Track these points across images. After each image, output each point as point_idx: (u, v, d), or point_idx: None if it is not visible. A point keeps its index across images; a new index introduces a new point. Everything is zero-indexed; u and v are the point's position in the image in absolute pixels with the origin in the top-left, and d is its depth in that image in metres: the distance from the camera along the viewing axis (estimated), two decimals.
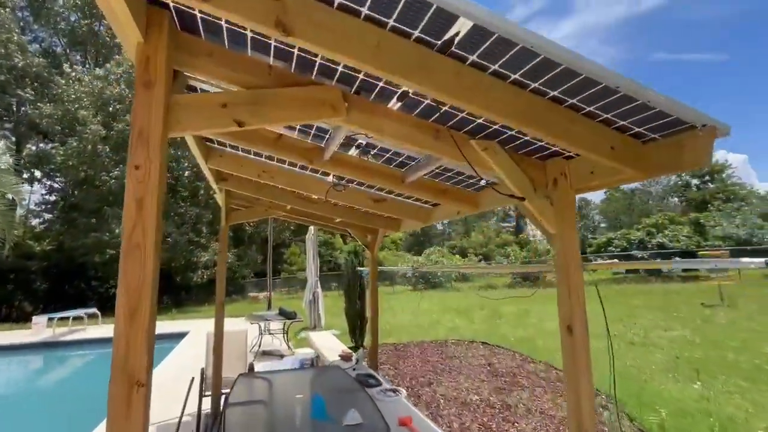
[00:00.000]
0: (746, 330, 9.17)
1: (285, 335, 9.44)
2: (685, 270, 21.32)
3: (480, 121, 1.81)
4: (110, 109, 19.66)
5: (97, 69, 22.21)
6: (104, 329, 11.80)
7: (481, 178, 2.25)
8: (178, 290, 22.63)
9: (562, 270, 1.90)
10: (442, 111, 1.79)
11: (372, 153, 2.74)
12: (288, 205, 4.90)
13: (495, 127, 1.84)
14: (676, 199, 46.72)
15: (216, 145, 3.24)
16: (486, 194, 3.09)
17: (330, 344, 7.75)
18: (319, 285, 10.50)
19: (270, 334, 9.47)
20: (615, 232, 27.62)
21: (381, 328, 6.51)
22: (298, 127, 2.45)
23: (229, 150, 3.30)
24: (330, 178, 3.51)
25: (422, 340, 9.35)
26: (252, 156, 3.34)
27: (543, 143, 1.92)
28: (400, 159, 2.79)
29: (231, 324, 7.93)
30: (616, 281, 23.03)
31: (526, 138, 1.89)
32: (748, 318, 10.62)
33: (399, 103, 1.82)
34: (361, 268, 8.75)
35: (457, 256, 37.85)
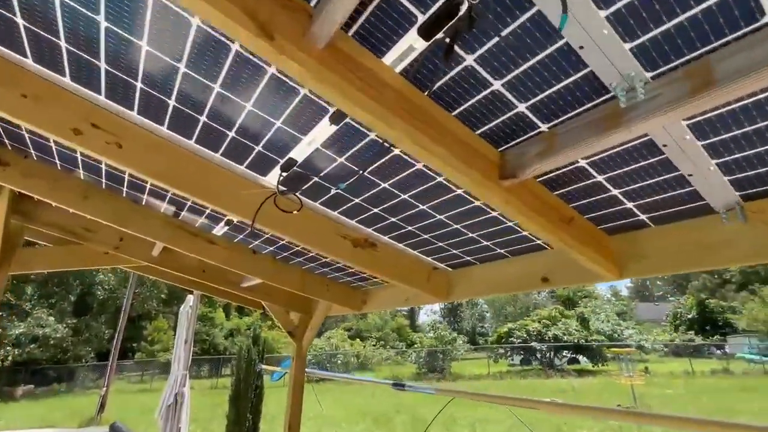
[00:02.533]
0: None
1: None
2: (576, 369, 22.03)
3: None
4: None
5: None
6: None
7: None
8: None
9: None
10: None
11: None
12: (157, 245, 2.44)
13: None
14: (545, 293, 52.34)
15: None
16: None
17: None
18: (188, 381, 6.94)
19: None
20: (514, 323, 28.29)
21: None
22: None
23: None
24: (268, 181, 1.42)
25: None
26: None
27: None
28: None
29: None
30: (521, 376, 22.63)
31: None
32: None
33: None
34: (266, 366, 5.83)
35: (357, 340, 34.71)
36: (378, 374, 25.27)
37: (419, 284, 2.61)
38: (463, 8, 1.00)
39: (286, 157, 1.84)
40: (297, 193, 2.08)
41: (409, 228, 2.31)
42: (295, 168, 1.90)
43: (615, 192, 1.62)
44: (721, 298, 39.14)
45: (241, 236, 2.97)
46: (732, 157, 1.30)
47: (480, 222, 2.08)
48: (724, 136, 1.23)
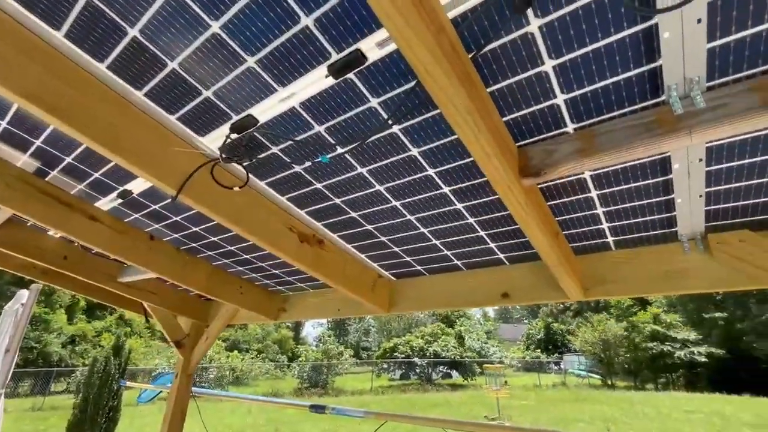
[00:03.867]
0: None
1: None
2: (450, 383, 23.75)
3: None
4: None
5: None
6: None
7: None
8: None
9: None
10: None
11: None
12: None
13: None
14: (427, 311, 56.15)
15: None
16: None
17: None
18: (2, 400, 5.20)
19: None
20: (399, 338, 29.28)
21: None
22: None
23: None
24: (205, 143, 1.05)
25: None
26: None
27: None
28: None
29: None
30: (401, 390, 23.32)
31: None
32: None
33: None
34: (134, 384, 4.73)
35: (235, 352, 31.78)
36: (256, 389, 23.27)
37: (363, 292, 2.31)
38: None
39: (244, 114, 1.40)
40: (244, 165, 1.62)
41: (368, 227, 2.02)
42: (252, 131, 1.47)
43: (599, 210, 1.61)
44: (562, 323, 46.87)
45: (137, 215, 2.27)
46: (721, 187, 1.37)
47: (450, 228, 1.91)
48: (729, 165, 1.28)
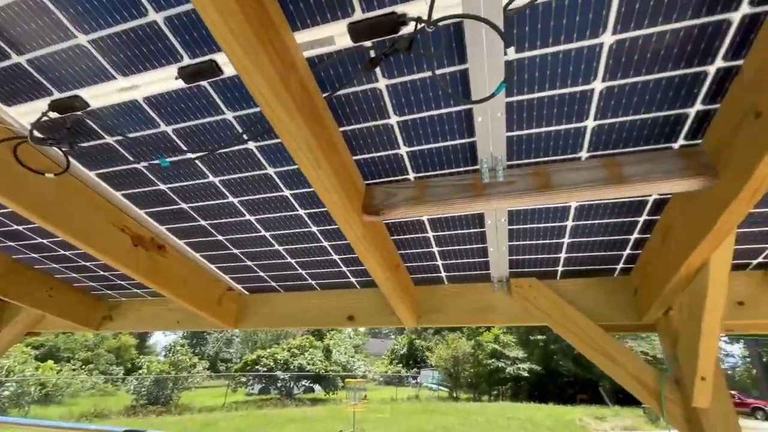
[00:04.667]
0: None
1: None
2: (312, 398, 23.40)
3: None
4: None
5: None
6: None
7: None
8: None
9: None
10: None
11: None
12: None
13: None
14: None
15: None
16: None
17: None
18: None
19: None
20: (264, 350, 27.69)
21: None
22: None
23: None
24: (12, 116, 0.96)
25: None
26: None
27: None
28: None
29: None
30: (258, 406, 21.96)
31: None
32: None
33: None
34: None
35: (50, 362, 25.74)
36: (71, 409, 19.04)
37: (206, 305, 2.15)
38: (406, 29, 0.94)
39: (70, 93, 1.21)
40: (64, 150, 1.38)
41: (219, 237, 1.90)
42: (81, 114, 1.27)
43: (435, 249, 1.84)
44: (424, 339, 50.93)
45: None
46: (520, 243, 1.71)
47: (306, 249, 1.93)
48: (525, 226, 1.60)
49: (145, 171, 1.50)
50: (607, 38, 0.94)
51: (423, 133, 1.24)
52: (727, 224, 1.07)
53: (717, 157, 1.05)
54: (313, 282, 2.25)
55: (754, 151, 0.89)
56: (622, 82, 1.03)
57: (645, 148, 1.19)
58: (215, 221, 1.78)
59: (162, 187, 1.58)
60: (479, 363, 31.03)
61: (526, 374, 29.71)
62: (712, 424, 1.41)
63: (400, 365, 43.62)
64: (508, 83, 1.06)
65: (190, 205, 1.68)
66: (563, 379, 30.05)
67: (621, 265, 1.79)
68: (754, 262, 1.62)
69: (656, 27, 0.90)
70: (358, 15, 0.94)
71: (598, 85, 1.04)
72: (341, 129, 1.25)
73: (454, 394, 31.61)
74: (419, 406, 23.37)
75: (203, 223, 1.80)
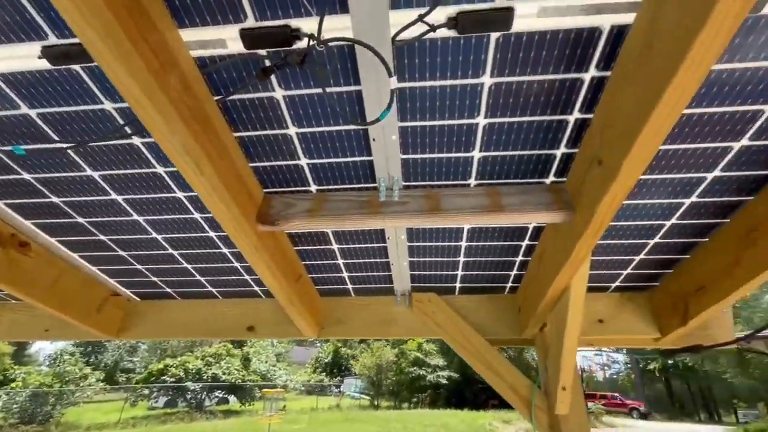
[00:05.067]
0: None
1: None
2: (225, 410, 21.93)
3: None
4: None
5: None
6: None
7: None
8: None
9: None
10: None
11: None
12: None
13: None
14: None
15: None
16: None
17: None
18: None
19: None
20: (174, 358, 25.28)
21: None
22: None
23: None
24: None
25: None
26: None
27: None
28: None
29: None
30: (162, 421, 19.94)
31: None
32: None
33: None
34: None
35: None
36: None
37: (81, 313, 1.90)
38: (301, 44, 0.94)
39: None
40: None
41: (101, 237, 1.71)
42: None
43: (340, 261, 1.84)
44: (349, 347, 50.68)
45: None
46: (421, 259, 1.78)
47: (204, 255, 1.82)
48: (424, 244, 1.68)
49: (2, 156, 1.30)
50: (487, 80, 1.03)
51: (323, 147, 1.24)
52: (580, 254, 1.22)
53: (574, 195, 1.20)
54: (213, 289, 2.12)
55: (597, 194, 1.03)
56: (502, 120, 1.13)
57: (523, 181, 1.32)
58: (96, 219, 1.59)
59: (26, 176, 1.38)
60: (402, 371, 31.65)
61: (445, 381, 30.94)
62: (570, 429, 1.59)
63: (324, 374, 42.80)
64: (401, 109, 1.11)
65: (64, 199, 1.49)
66: (478, 386, 31.86)
67: (510, 284, 1.95)
68: (613, 285, 1.88)
69: (526, 76, 1.01)
70: (251, 22, 0.92)
71: (481, 121, 1.14)
72: (237, 134, 1.20)
73: (376, 402, 31.81)
74: (339, 415, 23.09)
75: (81, 220, 1.60)
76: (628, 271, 1.77)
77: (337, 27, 0.91)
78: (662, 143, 1.17)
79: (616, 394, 30.05)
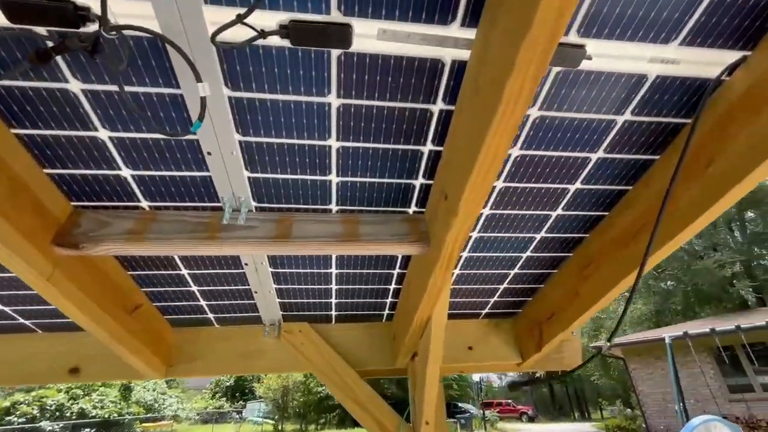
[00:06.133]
0: None
1: None
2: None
3: None
4: None
5: None
6: None
7: None
8: None
9: None
10: None
11: None
12: None
13: None
14: None
15: None
16: None
17: None
18: None
19: None
20: (27, 393, 20.64)
21: None
22: None
23: None
24: None
25: None
26: None
27: None
28: None
29: None
30: None
31: None
32: None
33: None
34: None
35: None
36: None
37: None
38: (89, 29, 0.74)
39: None
40: None
41: None
42: None
43: (194, 288, 1.59)
44: None
45: None
46: (289, 286, 1.62)
47: (7, 280, 1.42)
48: (290, 270, 1.53)
49: None
50: (333, 100, 0.94)
51: (149, 157, 1.03)
52: (435, 286, 1.19)
53: (429, 226, 1.17)
54: (27, 322, 1.68)
55: (444, 227, 1.01)
56: (356, 144, 1.06)
57: (387, 209, 1.27)
58: None
59: None
60: (310, 391, 30.38)
61: None
62: None
63: (225, 399, 39.10)
64: (241, 123, 0.97)
65: None
66: (388, 402, 32.06)
67: (387, 312, 1.90)
68: (483, 312, 1.94)
69: (375, 101, 0.95)
70: None
71: (334, 143, 1.05)
72: (20, 131, 0.93)
73: (280, 427, 29.90)
74: None
75: None
76: (495, 298, 1.83)
77: (142, 14, 0.74)
78: (514, 182, 1.22)
79: (509, 401, 32.73)
